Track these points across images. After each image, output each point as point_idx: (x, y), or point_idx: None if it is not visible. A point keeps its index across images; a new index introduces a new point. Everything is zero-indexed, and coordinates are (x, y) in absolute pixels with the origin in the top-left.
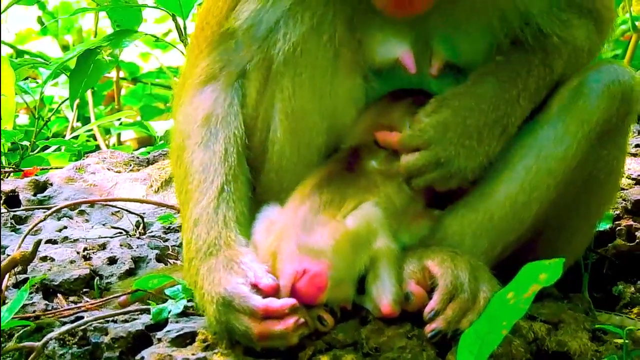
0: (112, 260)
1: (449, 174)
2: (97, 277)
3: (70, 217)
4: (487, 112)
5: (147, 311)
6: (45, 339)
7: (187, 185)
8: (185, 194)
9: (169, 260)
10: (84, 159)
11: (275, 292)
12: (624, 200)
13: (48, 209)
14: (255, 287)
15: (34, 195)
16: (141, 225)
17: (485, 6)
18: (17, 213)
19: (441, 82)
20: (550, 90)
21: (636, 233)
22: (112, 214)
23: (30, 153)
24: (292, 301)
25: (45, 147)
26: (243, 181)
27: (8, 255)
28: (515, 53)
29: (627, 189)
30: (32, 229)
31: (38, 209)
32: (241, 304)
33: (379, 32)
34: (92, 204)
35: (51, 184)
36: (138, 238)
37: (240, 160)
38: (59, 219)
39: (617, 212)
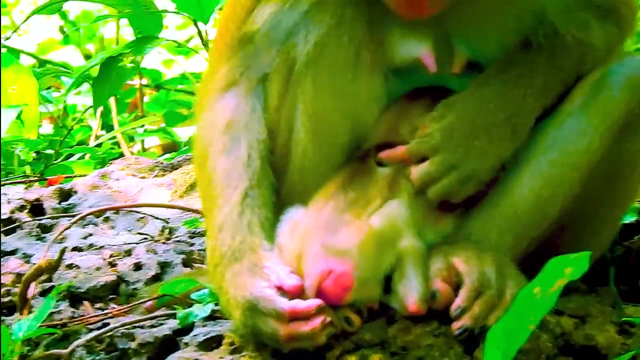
0: (137, 266)
1: (462, 177)
2: (123, 283)
3: (96, 224)
4: (494, 111)
5: (174, 316)
6: (72, 346)
7: (210, 192)
8: (209, 200)
9: (195, 264)
10: (108, 166)
11: (299, 293)
12: None
13: (73, 216)
14: (280, 290)
15: (59, 203)
16: (166, 230)
17: (503, 5)
18: (42, 221)
19: (462, 80)
20: (569, 87)
21: None
22: (137, 220)
23: (55, 161)
24: (318, 301)
25: (70, 155)
26: (267, 186)
27: (34, 263)
28: (522, 53)
29: None
30: (57, 236)
31: (63, 216)
32: (267, 307)
33: (399, 31)
34: (117, 210)
35: (76, 192)
36: (163, 243)
37: (264, 165)
38: (84, 227)
39: None
